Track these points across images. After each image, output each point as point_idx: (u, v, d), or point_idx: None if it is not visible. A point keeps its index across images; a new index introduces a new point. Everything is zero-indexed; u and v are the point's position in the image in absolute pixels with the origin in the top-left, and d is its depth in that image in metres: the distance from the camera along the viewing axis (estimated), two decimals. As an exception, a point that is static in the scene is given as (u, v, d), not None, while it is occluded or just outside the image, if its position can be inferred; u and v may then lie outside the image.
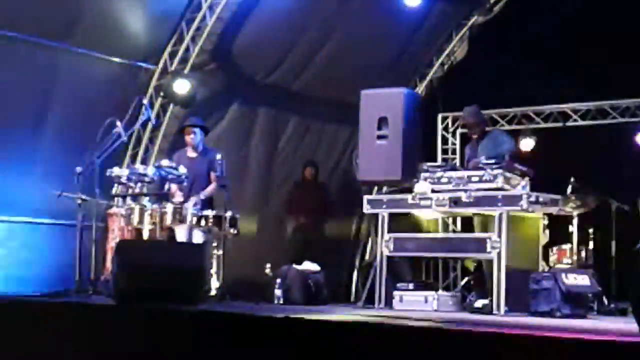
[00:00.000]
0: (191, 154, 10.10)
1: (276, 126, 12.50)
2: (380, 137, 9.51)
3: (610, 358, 4.52)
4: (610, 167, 11.12)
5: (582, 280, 8.52)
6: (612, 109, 11.95)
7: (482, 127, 9.75)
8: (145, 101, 9.92)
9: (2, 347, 7.10)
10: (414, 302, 9.15)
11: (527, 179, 8.96)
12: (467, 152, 9.86)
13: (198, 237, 9.46)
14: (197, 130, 10.12)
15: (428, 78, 13.51)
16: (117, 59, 10.84)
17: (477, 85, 12.23)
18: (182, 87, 10.95)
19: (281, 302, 9.97)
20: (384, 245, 9.29)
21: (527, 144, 12.22)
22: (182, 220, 9.31)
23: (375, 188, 10.41)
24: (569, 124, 12.28)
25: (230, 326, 6.21)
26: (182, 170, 9.46)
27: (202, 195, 9.79)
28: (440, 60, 13.47)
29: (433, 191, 9.11)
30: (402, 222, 9.58)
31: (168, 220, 9.28)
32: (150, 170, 9.40)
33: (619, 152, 11.40)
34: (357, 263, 13.10)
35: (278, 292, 10.04)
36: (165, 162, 9.56)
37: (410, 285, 9.35)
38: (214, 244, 9.65)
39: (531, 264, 9.04)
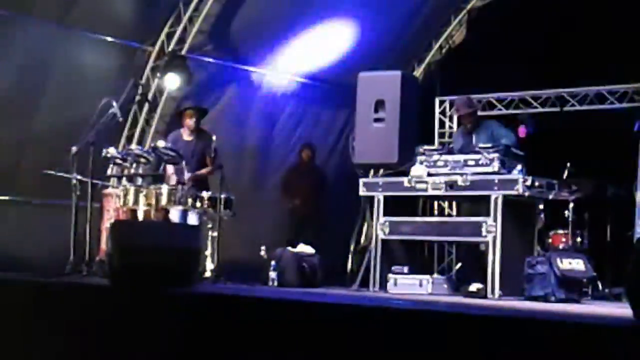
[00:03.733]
0: (187, 136, 10.07)
1: (273, 108, 12.48)
2: (377, 120, 9.51)
3: (604, 342, 4.52)
4: (607, 153, 11.09)
5: (577, 265, 8.53)
6: (610, 94, 11.92)
7: (475, 117, 9.72)
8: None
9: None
10: (409, 285, 9.14)
11: (523, 163, 8.95)
12: (459, 140, 9.81)
13: (193, 219, 9.45)
14: (197, 113, 10.10)
15: (426, 61, 13.48)
16: (113, 40, 10.80)
17: (475, 69, 12.20)
18: (172, 82, 10.95)
19: (275, 284, 9.97)
20: (379, 228, 9.28)
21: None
22: (177, 202, 9.30)
23: (372, 171, 10.39)
24: (567, 108, 12.24)
25: (225, 308, 6.20)
26: (178, 151, 9.45)
27: (197, 174, 9.78)
28: (438, 44, 13.44)
29: (429, 174, 9.10)
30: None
31: (163, 201, 9.27)
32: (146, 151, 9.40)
33: (616, 138, 11.37)
34: (352, 246, 13.11)
35: (273, 274, 10.04)
36: (161, 144, 9.54)
37: (405, 269, 9.34)
38: (209, 226, 9.65)
39: (526, 249, 9.04)
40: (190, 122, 10.03)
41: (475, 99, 10.06)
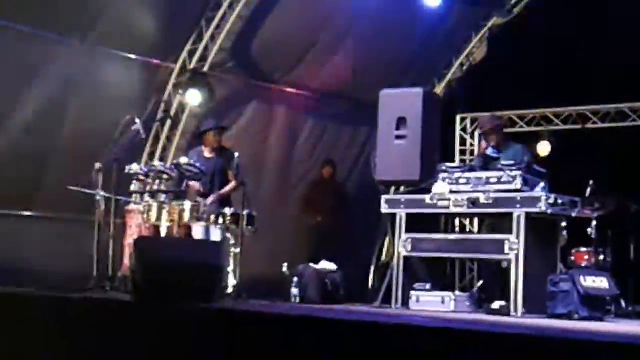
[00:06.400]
0: (208, 154, 10.08)
1: (294, 125, 12.51)
2: (398, 137, 9.51)
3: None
4: (629, 170, 11.07)
5: (600, 282, 8.48)
6: (631, 112, 11.90)
7: (500, 133, 9.63)
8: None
9: (19, 342, 7.12)
10: (431, 302, 9.10)
11: (545, 180, 8.93)
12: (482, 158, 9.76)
13: (216, 235, 9.47)
14: (218, 132, 10.09)
15: (447, 79, 13.50)
16: (136, 57, 10.86)
17: (496, 87, 12.21)
18: (194, 98, 11.04)
19: (298, 301, 9.97)
20: (402, 245, 9.27)
21: (544, 149, 12.19)
22: (199, 218, 9.32)
23: (393, 188, 10.39)
24: (588, 126, 12.22)
25: (247, 324, 6.21)
26: (200, 167, 9.48)
27: (221, 193, 9.80)
28: (459, 61, 13.46)
29: (451, 192, 9.08)
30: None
31: (186, 217, 9.28)
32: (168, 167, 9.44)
33: (638, 155, 11.34)
34: (374, 263, 13.09)
35: (295, 290, 10.04)
36: (183, 160, 9.57)
37: (427, 286, 9.30)
38: (232, 242, 9.66)
39: (549, 266, 8.99)
40: (212, 141, 10.05)
41: (498, 116, 10.01)
